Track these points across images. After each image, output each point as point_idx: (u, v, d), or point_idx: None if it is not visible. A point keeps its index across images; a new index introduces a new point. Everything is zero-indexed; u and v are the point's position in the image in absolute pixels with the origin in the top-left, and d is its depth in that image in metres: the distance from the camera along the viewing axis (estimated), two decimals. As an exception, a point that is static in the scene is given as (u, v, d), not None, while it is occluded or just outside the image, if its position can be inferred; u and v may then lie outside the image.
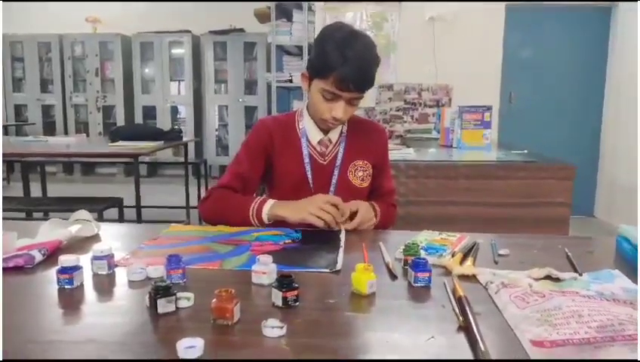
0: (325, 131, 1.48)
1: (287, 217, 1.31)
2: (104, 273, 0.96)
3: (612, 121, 4.88)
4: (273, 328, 0.70)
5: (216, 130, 7.45)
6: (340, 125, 1.48)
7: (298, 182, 1.46)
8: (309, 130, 1.48)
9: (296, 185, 1.46)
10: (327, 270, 0.98)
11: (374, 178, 1.53)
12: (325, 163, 1.48)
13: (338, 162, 1.47)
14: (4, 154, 3.39)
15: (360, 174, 1.49)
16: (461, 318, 0.74)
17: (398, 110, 4.57)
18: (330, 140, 1.48)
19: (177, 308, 0.79)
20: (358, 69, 1.30)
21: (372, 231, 1.36)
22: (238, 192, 1.45)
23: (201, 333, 0.69)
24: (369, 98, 4.74)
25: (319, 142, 1.48)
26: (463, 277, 0.93)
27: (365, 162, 1.50)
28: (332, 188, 1.46)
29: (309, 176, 1.46)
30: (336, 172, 1.47)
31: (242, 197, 1.42)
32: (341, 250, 1.12)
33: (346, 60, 1.29)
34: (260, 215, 1.34)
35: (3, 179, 6.50)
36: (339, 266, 1.00)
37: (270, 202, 1.36)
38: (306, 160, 1.46)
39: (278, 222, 1.33)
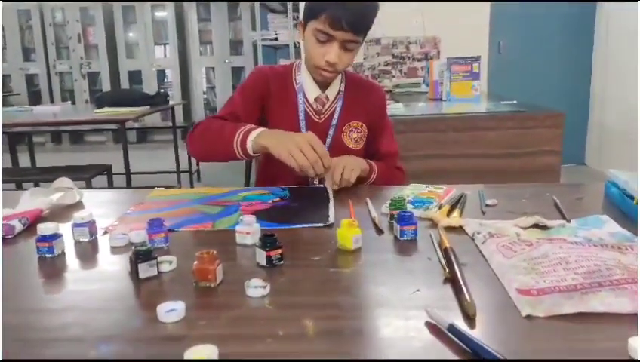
0: (323, 88, 1.42)
1: (270, 147, 1.17)
2: (86, 240, 0.93)
3: (601, 67, 4.83)
4: (256, 288, 0.68)
5: (204, 92, 7.34)
6: (336, 77, 1.41)
7: None
8: (306, 86, 1.43)
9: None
10: (321, 224, 0.96)
11: (372, 140, 1.47)
12: (320, 121, 1.43)
13: (334, 121, 1.43)
14: (-12, 126, 3.32)
15: (354, 136, 1.45)
16: (447, 270, 0.73)
17: (386, 65, 4.50)
18: (327, 97, 1.43)
19: (159, 272, 0.77)
20: (352, 5, 1.24)
21: (359, 186, 1.33)
22: None
23: (184, 296, 0.67)
24: (357, 54, 4.66)
25: (316, 99, 1.42)
26: (450, 229, 0.92)
27: (360, 123, 1.45)
28: (326, 149, 1.42)
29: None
30: (331, 131, 1.42)
31: (232, 124, 1.29)
32: (331, 204, 1.10)
33: None
34: (245, 144, 1.21)
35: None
36: (331, 219, 0.98)
37: (257, 130, 1.22)
38: (301, 116, 1.41)
39: (265, 181, 1.30)
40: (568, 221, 0.93)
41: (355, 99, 1.46)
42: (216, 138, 1.28)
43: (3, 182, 3.45)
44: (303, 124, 1.41)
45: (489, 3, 4.68)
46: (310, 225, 0.97)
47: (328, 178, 1.25)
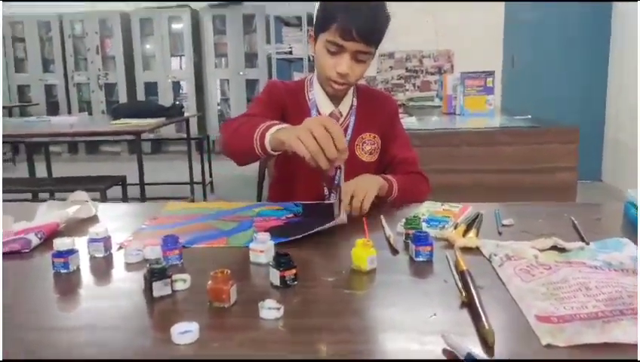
0: (336, 103, 1.41)
1: (284, 140, 1.04)
2: (101, 255, 0.93)
3: (617, 81, 4.78)
4: (270, 309, 0.68)
5: (218, 104, 7.39)
6: (348, 90, 1.40)
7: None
8: (319, 101, 1.41)
9: (303, 160, 1.38)
10: (332, 223, 0.95)
11: (386, 150, 1.45)
12: None
13: (348, 136, 1.41)
14: (8, 136, 3.37)
15: (368, 148, 1.43)
16: (464, 293, 0.71)
17: (399, 78, 4.50)
18: (340, 113, 1.42)
19: (173, 290, 0.77)
20: (363, 15, 1.23)
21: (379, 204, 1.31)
22: None
23: (197, 316, 0.67)
24: (370, 67, 4.67)
25: (330, 115, 1.40)
26: (466, 250, 0.90)
27: (373, 135, 1.43)
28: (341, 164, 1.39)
29: None
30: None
31: (258, 118, 1.21)
32: (342, 211, 1.05)
33: (348, 7, 1.23)
34: (264, 139, 1.10)
35: (5, 161, 6.49)
36: (344, 217, 0.98)
37: (279, 125, 1.11)
38: None
39: (281, 197, 1.29)
40: (587, 243, 0.91)
41: (367, 112, 1.45)
42: (242, 132, 1.18)
43: (19, 193, 3.48)
44: None
45: (503, 16, 4.67)
46: (321, 227, 0.97)
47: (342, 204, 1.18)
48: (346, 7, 1.23)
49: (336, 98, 1.41)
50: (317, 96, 1.42)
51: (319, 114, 1.40)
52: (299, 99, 1.43)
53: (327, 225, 0.98)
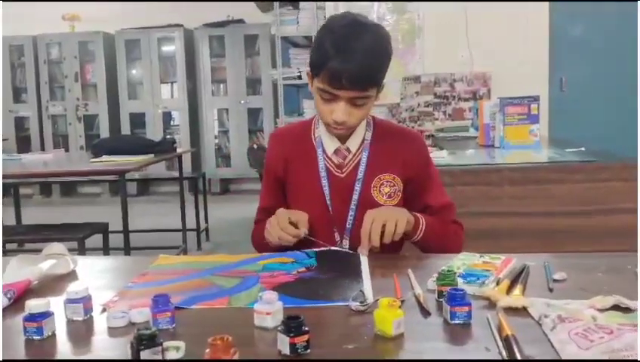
0: (343, 139, 1.46)
1: (270, 241, 1.39)
2: (80, 319, 0.95)
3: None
4: (279, 384, 0.68)
5: (216, 137, 7.49)
6: (351, 131, 1.45)
7: (314, 199, 1.45)
8: (324, 139, 1.48)
9: (312, 202, 1.44)
10: (358, 303, 0.94)
11: (417, 197, 1.47)
12: (343, 175, 1.45)
13: (360, 175, 1.44)
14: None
15: (386, 190, 1.45)
16: (509, 364, 0.71)
17: (427, 105, 4.54)
18: (348, 149, 1.46)
19: (164, 360, 0.77)
20: (351, 61, 1.27)
21: (399, 256, 1.32)
22: None
23: (193, 392, 0.67)
24: (392, 93, 4.73)
25: (335, 152, 1.46)
26: (511, 311, 0.90)
27: (393, 176, 1.46)
28: (353, 206, 1.43)
29: (326, 191, 1.44)
30: (357, 186, 1.44)
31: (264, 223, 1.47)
32: (366, 278, 1.10)
33: (337, 52, 1.28)
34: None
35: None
36: (370, 299, 0.97)
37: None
38: (322, 173, 1.45)
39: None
40: (656, 301, 0.91)
41: (385, 149, 1.47)
42: (256, 241, 1.55)
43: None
44: (324, 181, 1.44)
45: (547, 31, 4.72)
46: (344, 303, 0.97)
47: (363, 244, 1.26)
48: (335, 52, 1.28)
49: (342, 135, 1.46)
50: (322, 133, 1.49)
51: (325, 153, 1.47)
52: (305, 140, 1.50)
53: (351, 304, 0.96)
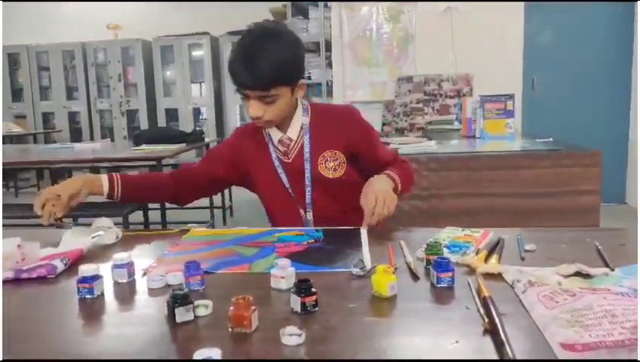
0: (284, 130, 1.43)
1: None
2: (124, 281, 0.95)
3: (640, 103, 4.72)
4: (292, 336, 0.68)
5: (238, 129, 7.47)
6: (274, 125, 1.41)
7: (275, 185, 1.44)
8: (271, 132, 1.45)
9: (274, 188, 1.45)
10: (358, 269, 0.94)
11: (372, 158, 1.47)
12: (290, 160, 1.43)
13: (306, 155, 1.42)
14: (32, 162, 3.44)
15: (331, 165, 1.43)
16: (486, 320, 0.71)
17: (418, 102, 4.51)
18: (289, 138, 1.43)
19: (196, 316, 0.78)
20: (244, 64, 1.26)
21: (392, 228, 1.32)
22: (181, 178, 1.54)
23: (219, 342, 0.68)
24: (388, 91, 4.70)
25: (279, 142, 1.43)
26: (488, 276, 0.90)
27: (334, 151, 1.43)
28: (308, 183, 1.42)
29: (283, 177, 1.43)
30: (307, 166, 1.42)
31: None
32: (365, 248, 1.10)
33: (235, 57, 1.28)
34: None
35: (30, 186, 6.62)
36: (368, 266, 0.97)
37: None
38: (276, 162, 1.44)
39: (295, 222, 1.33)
40: (612, 269, 0.90)
41: (324, 129, 1.44)
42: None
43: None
44: (280, 169, 1.43)
45: (522, 37, 4.67)
46: (346, 269, 0.97)
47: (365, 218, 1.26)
48: (235, 57, 1.28)
49: (282, 126, 1.42)
50: (269, 128, 1.45)
51: (273, 143, 1.44)
52: (259, 137, 1.47)
53: (352, 270, 0.96)
